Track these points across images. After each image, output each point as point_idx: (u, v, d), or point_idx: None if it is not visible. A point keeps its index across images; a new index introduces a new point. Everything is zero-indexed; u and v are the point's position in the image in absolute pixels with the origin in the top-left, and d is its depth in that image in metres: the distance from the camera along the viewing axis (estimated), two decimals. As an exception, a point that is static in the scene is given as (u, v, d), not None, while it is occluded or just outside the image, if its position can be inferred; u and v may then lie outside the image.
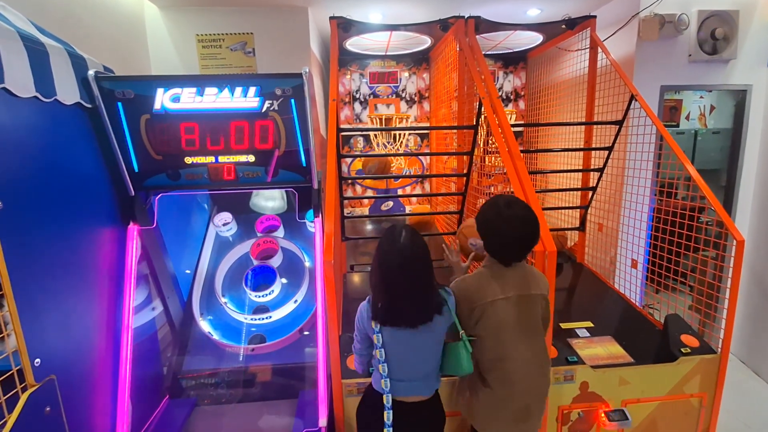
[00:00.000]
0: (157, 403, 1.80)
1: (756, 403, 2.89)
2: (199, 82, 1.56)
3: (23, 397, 1.12)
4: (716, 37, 2.89)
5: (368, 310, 1.38)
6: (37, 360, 1.17)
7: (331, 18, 2.68)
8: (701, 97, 4.64)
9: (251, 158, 1.66)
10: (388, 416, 1.36)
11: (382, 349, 1.35)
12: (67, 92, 1.37)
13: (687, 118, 4.66)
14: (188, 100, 1.55)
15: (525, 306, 1.44)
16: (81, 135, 1.47)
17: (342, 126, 3.78)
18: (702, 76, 3.04)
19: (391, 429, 1.36)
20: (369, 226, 3.72)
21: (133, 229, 1.68)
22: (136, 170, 1.64)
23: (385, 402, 1.37)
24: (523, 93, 4.05)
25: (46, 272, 1.26)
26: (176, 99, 1.54)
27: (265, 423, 1.69)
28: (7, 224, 1.11)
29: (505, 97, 4.05)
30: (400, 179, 4.08)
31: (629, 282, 2.57)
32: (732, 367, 3.29)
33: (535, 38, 3.36)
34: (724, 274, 1.94)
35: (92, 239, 1.51)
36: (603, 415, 1.85)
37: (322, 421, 1.59)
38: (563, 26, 2.89)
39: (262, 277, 2.15)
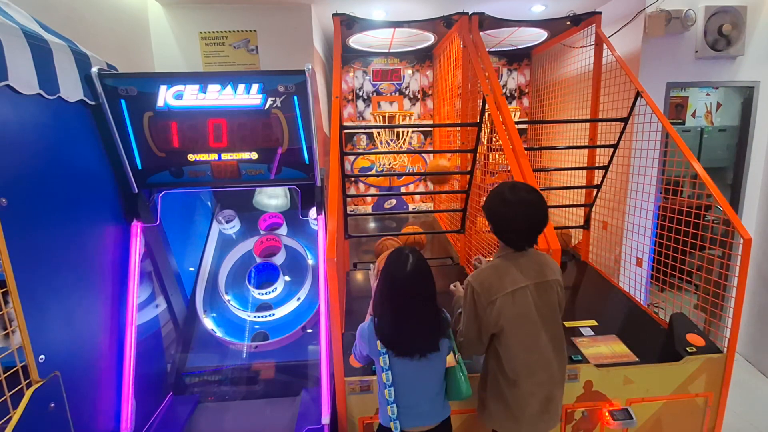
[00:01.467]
0: (160, 399, 1.81)
1: (762, 403, 2.87)
2: (202, 79, 1.56)
3: (28, 394, 1.13)
4: (723, 33, 2.86)
5: (371, 332, 1.36)
6: (42, 356, 1.18)
7: (334, 15, 2.67)
8: (708, 94, 4.58)
9: (254, 155, 1.65)
10: (396, 426, 1.35)
11: (389, 372, 1.33)
12: (71, 89, 1.37)
13: (693, 115, 4.61)
14: (191, 97, 1.54)
15: (543, 293, 1.44)
16: (84, 132, 1.48)
17: (345, 123, 3.77)
18: (709, 73, 3.01)
19: None
20: (372, 224, 3.71)
21: (136, 226, 1.69)
22: (140, 167, 1.64)
23: (393, 429, 1.35)
24: (527, 90, 4.03)
25: (50, 269, 1.26)
26: (179, 96, 1.54)
27: (268, 420, 1.69)
28: (12, 221, 1.11)
29: (509, 95, 4.02)
30: (404, 177, 4.06)
31: (634, 281, 2.55)
32: (738, 366, 3.26)
33: (540, 35, 3.33)
34: (731, 273, 1.92)
35: (96, 236, 1.51)
36: (607, 414, 1.84)
37: (325, 419, 1.59)
38: (568, 23, 2.86)
39: (265, 275, 2.15)
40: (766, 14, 2.96)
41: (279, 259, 2.20)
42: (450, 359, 1.44)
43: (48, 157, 1.28)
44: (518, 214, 1.39)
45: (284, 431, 1.60)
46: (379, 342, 1.33)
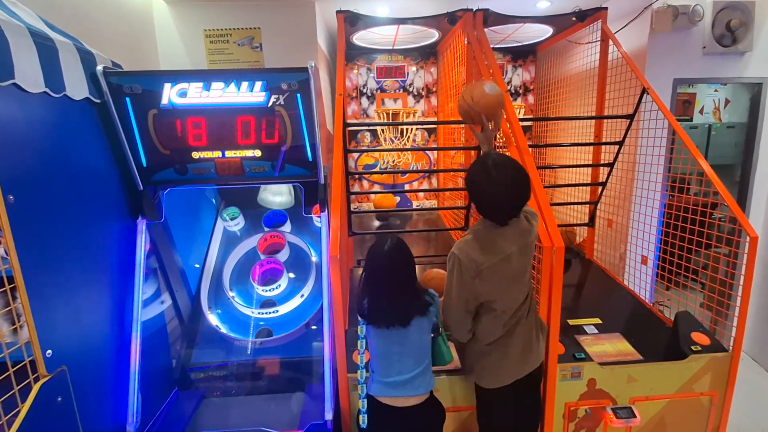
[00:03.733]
0: (166, 394, 1.83)
1: (768, 402, 2.85)
2: (206, 76, 1.56)
3: (35, 388, 1.15)
4: (732, 29, 2.82)
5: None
6: (49, 351, 1.19)
7: (337, 12, 2.66)
8: (716, 90, 4.53)
9: (258, 153, 1.66)
10: (363, 404, 1.48)
11: (363, 341, 1.47)
12: (76, 87, 1.38)
13: (701, 112, 4.56)
14: (195, 94, 1.55)
15: (524, 254, 1.47)
16: (90, 130, 1.49)
17: (349, 121, 3.77)
18: (716, 69, 2.97)
19: (365, 416, 1.47)
20: (376, 222, 3.72)
21: (141, 223, 1.70)
22: (145, 165, 1.65)
23: (359, 392, 1.48)
24: (532, 87, 4.00)
25: (56, 266, 1.28)
26: (183, 94, 1.55)
27: (272, 415, 1.71)
28: (19, 218, 1.13)
29: (513, 91, 4.00)
30: (407, 174, 4.06)
31: (639, 279, 2.54)
32: (744, 365, 3.24)
33: (545, 31, 3.31)
34: (737, 271, 1.90)
35: (101, 233, 1.53)
36: (610, 412, 1.83)
37: (328, 415, 1.60)
38: (573, 18, 2.83)
39: (269, 272, 2.16)
40: (775, 9, 2.91)
41: (283, 256, 2.21)
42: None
43: (54, 155, 1.30)
44: (501, 190, 1.36)
45: (288, 426, 1.62)
46: (359, 316, 1.47)
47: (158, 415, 1.70)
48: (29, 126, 1.20)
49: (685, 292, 2.18)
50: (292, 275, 2.20)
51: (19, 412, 1.09)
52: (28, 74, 1.16)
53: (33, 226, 1.18)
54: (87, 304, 1.42)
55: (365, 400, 1.48)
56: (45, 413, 1.17)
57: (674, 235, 2.21)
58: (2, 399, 1.05)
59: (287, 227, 2.34)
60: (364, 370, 1.49)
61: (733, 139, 3.90)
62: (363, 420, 1.47)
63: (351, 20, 2.70)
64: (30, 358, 1.15)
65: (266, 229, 2.31)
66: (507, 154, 1.94)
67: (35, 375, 1.17)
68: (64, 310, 1.30)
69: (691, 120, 4.54)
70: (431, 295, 1.51)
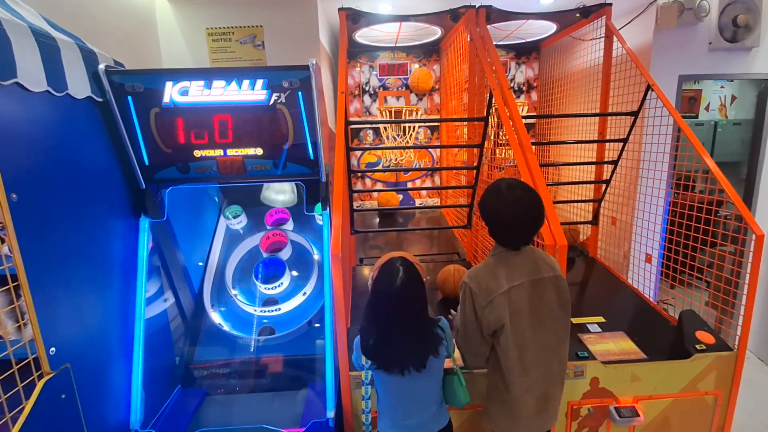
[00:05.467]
0: (169, 392, 1.84)
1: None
2: (207, 75, 1.56)
3: (39, 385, 1.16)
4: (738, 24, 2.79)
5: (360, 349, 1.36)
6: (53, 349, 1.20)
7: (339, 9, 2.65)
8: (722, 86, 4.48)
9: (259, 151, 1.66)
10: (366, 405, 1.40)
11: (369, 387, 1.35)
12: (79, 86, 1.39)
13: (707, 108, 4.52)
14: (197, 93, 1.55)
15: (539, 290, 1.42)
16: (92, 128, 1.50)
17: (351, 119, 3.76)
18: (723, 65, 2.94)
19: (368, 415, 1.40)
20: (379, 219, 3.72)
21: (144, 221, 1.71)
22: (147, 163, 1.66)
23: (363, 393, 1.38)
24: (535, 84, 3.97)
25: (60, 264, 1.28)
26: (185, 92, 1.55)
27: (275, 413, 1.71)
28: (22, 216, 1.13)
29: (517, 89, 3.98)
30: (410, 172, 4.05)
31: (643, 277, 2.52)
32: (750, 365, 3.22)
33: (549, 27, 3.28)
34: (743, 270, 1.88)
35: (104, 232, 1.53)
36: (613, 411, 1.82)
37: (330, 413, 1.60)
38: (577, 15, 2.81)
39: (272, 270, 2.16)
40: (783, 4, 2.87)
41: (285, 254, 2.21)
42: (448, 363, 1.43)
43: (56, 153, 1.30)
44: (514, 214, 1.35)
45: (290, 424, 1.62)
46: (364, 358, 1.32)
47: (161, 412, 1.72)
48: (31, 125, 1.20)
49: (690, 290, 2.16)
50: (295, 273, 2.20)
51: (23, 408, 1.10)
52: (31, 73, 1.16)
53: (36, 224, 1.19)
54: (90, 302, 1.42)
55: (368, 402, 1.41)
56: (49, 410, 1.18)
57: (679, 233, 2.19)
58: (7, 396, 1.05)
59: (290, 225, 2.35)
60: (368, 414, 1.41)
61: (739, 136, 3.85)
62: (367, 419, 1.42)
63: (353, 17, 2.69)
64: (34, 356, 1.16)
65: (268, 227, 2.31)
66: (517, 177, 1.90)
67: (39, 372, 1.18)
68: (68, 308, 1.31)
69: (696, 117, 4.50)
70: (442, 327, 1.41)
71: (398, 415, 1.37)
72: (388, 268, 1.31)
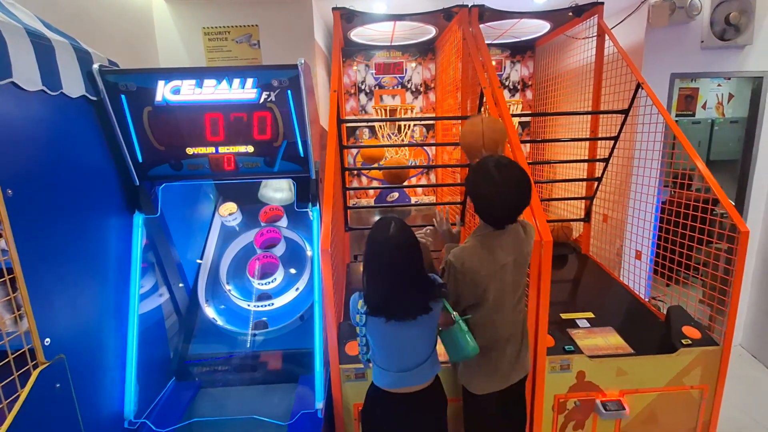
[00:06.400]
0: (163, 384, 1.88)
1: (767, 398, 2.84)
2: (198, 74, 1.60)
3: (34, 374, 1.20)
4: (731, 23, 2.80)
5: (356, 301, 1.40)
6: (47, 340, 1.24)
7: (333, 9, 2.69)
8: (719, 85, 4.49)
9: (250, 149, 1.70)
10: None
11: (363, 327, 1.39)
12: (73, 86, 1.42)
13: (704, 107, 4.53)
14: (188, 92, 1.59)
15: (520, 266, 1.49)
16: (87, 127, 1.54)
17: (345, 117, 3.79)
18: (715, 63, 2.96)
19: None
20: (375, 217, 3.75)
21: (138, 217, 1.75)
22: (140, 161, 1.69)
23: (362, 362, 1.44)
24: (530, 83, 4.00)
25: (55, 258, 1.32)
26: (176, 91, 1.59)
27: (266, 405, 1.75)
28: (18, 212, 1.17)
29: (512, 87, 4.00)
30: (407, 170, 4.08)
31: (635, 275, 2.55)
32: (743, 362, 3.25)
33: (543, 26, 3.30)
34: (731, 266, 1.91)
35: (99, 227, 1.57)
36: (599, 405, 1.86)
37: (319, 404, 1.64)
38: (570, 14, 2.83)
39: (266, 266, 2.20)
40: (776, 2, 2.88)
41: (279, 250, 2.25)
42: (446, 318, 1.44)
43: (51, 151, 1.34)
44: (503, 193, 1.35)
45: (281, 415, 1.66)
46: (360, 301, 1.37)
47: (155, 404, 1.76)
48: (27, 123, 1.24)
49: (685, 289, 2.17)
50: (287, 269, 2.24)
51: (18, 396, 1.14)
52: (26, 73, 1.20)
53: (31, 219, 1.23)
54: (85, 296, 1.46)
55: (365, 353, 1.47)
56: (44, 399, 1.22)
57: (675, 231, 2.20)
58: (2, 384, 1.09)
59: (284, 222, 2.38)
60: (366, 352, 1.45)
61: (736, 134, 3.86)
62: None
63: (347, 17, 2.72)
64: (29, 346, 1.20)
65: (263, 224, 2.34)
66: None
67: (34, 362, 1.22)
68: (63, 300, 1.35)
69: (694, 115, 4.51)
70: (443, 285, 1.43)
71: (384, 362, 1.42)
72: (381, 222, 1.37)
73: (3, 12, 1.23)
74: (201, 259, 2.24)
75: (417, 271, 1.34)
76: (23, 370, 1.17)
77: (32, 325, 1.20)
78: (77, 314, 1.41)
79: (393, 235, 1.31)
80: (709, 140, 4.60)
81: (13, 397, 1.14)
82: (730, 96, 4.56)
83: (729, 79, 4.32)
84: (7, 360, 1.13)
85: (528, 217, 1.68)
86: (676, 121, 4.35)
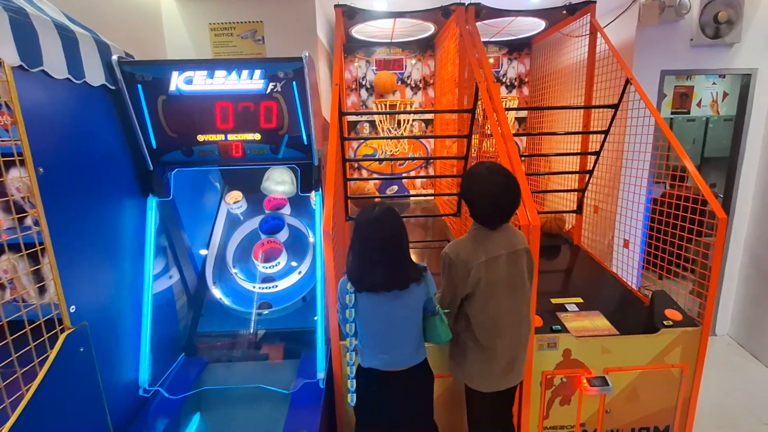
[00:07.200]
0: (173, 359, 2.00)
1: (750, 383, 2.96)
2: (210, 65, 1.71)
3: (62, 337, 1.31)
4: (719, 21, 2.90)
5: (344, 283, 1.51)
6: (73, 307, 1.36)
7: (336, 6, 2.79)
8: (714, 83, 4.58)
9: (257, 136, 1.81)
10: (351, 371, 1.55)
11: (353, 309, 1.48)
12: (94, 75, 1.54)
13: (698, 104, 4.62)
14: (200, 82, 1.70)
15: (513, 262, 1.57)
16: (106, 114, 1.65)
17: (345, 111, 3.89)
18: (704, 61, 3.05)
19: (353, 381, 1.54)
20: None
21: (151, 200, 1.86)
22: (154, 147, 1.81)
23: (348, 359, 1.54)
24: (527, 79, 4.10)
25: (78, 233, 1.44)
26: (189, 81, 1.70)
27: (271, 378, 1.86)
28: (47, 188, 1.29)
29: (509, 83, 4.10)
30: (406, 164, 4.19)
31: (626, 264, 2.64)
32: (731, 350, 3.36)
33: (538, 24, 3.40)
34: (711, 251, 1.99)
35: (116, 207, 1.69)
36: (585, 381, 1.96)
37: (321, 374, 1.76)
38: (564, 12, 2.93)
39: (270, 251, 2.31)
40: (765, 1, 2.98)
41: (282, 236, 2.36)
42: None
43: (75, 135, 1.45)
44: (494, 196, 1.50)
45: (285, 385, 1.77)
46: (349, 284, 1.48)
47: (167, 376, 1.87)
48: (54, 108, 1.35)
49: (678, 279, 2.24)
50: (291, 254, 2.35)
51: (48, 356, 1.26)
52: (54, 62, 1.31)
53: (58, 196, 1.34)
54: (103, 272, 1.58)
55: (353, 367, 1.57)
56: (69, 361, 1.33)
57: (668, 225, 2.25)
58: (34, 344, 1.21)
59: (287, 210, 2.49)
60: (354, 338, 1.55)
61: (730, 131, 3.93)
62: (351, 385, 1.57)
63: (349, 14, 2.82)
64: (57, 312, 1.32)
65: (267, 211, 2.45)
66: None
67: (61, 327, 1.33)
68: (85, 273, 1.46)
69: (688, 113, 4.60)
70: (424, 270, 1.55)
71: (376, 349, 1.53)
72: (368, 206, 1.50)
73: (31, 5, 1.34)
74: (207, 248, 2.35)
75: (396, 247, 1.46)
76: (52, 332, 1.29)
77: (59, 292, 1.32)
78: (97, 287, 1.53)
79: (376, 215, 1.45)
80: (703, 137, 4.70)
81: (44, 356, 1.25)
82: (725, 94, 4.64)
83: (723, 77, 4.41)
84: (37, 323, 1.24)
85: (519, 208, 1.79)
86: (672, 118, 4.45)
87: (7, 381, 1.13)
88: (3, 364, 1.13)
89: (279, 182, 2.60)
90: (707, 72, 3.18)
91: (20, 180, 1.27)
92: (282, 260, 2.29)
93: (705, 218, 2.05)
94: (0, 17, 1.10)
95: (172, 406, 1.72)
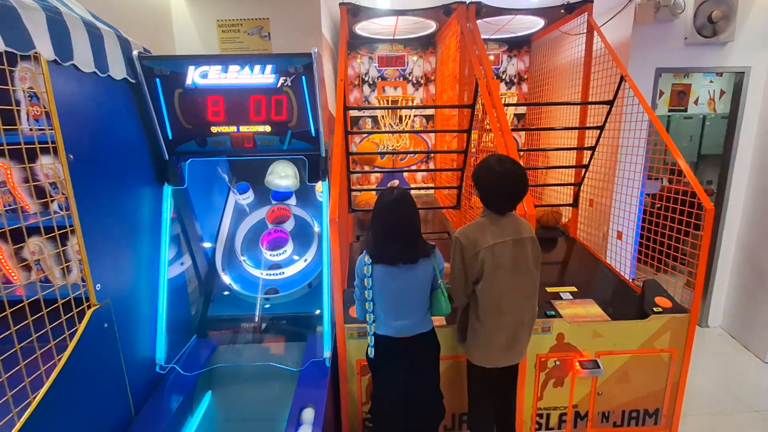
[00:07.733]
0: (186, 340, 2.10)
1: (739, 372, 3.05)
2: (224, 60, 1.80)
3: (88, 313, 1.42)
4: (713, 20, 2.98)
5: (363, 257, 1.66)
6: (98, 285, 1.46)
7: (340, 4, 2.88)
8: (711, 81, 4.66)
9: (267, 128, 1.90)
10: (371, 339, 1.70)
11: (371, 278, 1.64)
12: (117, 69, 1.63)
13: (696, 102, 4.69)
14: (215, 76, 1.80)
15: (519, 248, 1.69)
16: (126, 106, 1.74)
17: (349, 105, 3.98)
18: (698, 59, 3.13)
19: (372, 338, 1.69)
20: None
21: (167, 188, 1.96)
22: (170, 137, 1.90)
23: (368, 330, 1.69)
24: (526, 76, 4.18)
25: (101, 217, 1.54)
26: (204, 75, 1.79)
27: (279, 358, 1.97)
28: (76, 174, 1.39)
29: (508, 80, 4.18)
30: (407, 158, 4.29)
31: (621, 256, 2.73)
32: (723, 341, 3.46)
33: (537, 22, 3.48)
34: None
35: (134, 194, 1.79)
36: (577, 363, 2.06)
37: (327, 353, 1.86)
38: (562, 11, 3.02)
39: (277, 239, 2.41)
40: (759, 0, 3.05)
41: (288, 226, 2.46)
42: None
43: (100, 126, 1.55)
44: (503, 183, 1.64)
45: (293, 364, 1.88)
46: (366, 255, 1.64)
47: (181, 354, 1.98)
48: (83, 99, 1.45)
49: (674, 272, 2.30)
50: (296, 243, 2.45)
51: (76, 330, 1.36)
52: (83, 57, 1.41)
53: (85, 182, 1.44)
54: (124, 253, 1.68)
55: (372, 337, 1.71)
56: (95, 335, 1.44)
57: (664, 220, 2.31)
58: (65, 317, 1.31)
59: (293, 201, 2.59)
60: (372, 303, 1.68)
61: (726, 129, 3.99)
62: (371, 352, 1.72)
63: (353, 11, 2.91)
64: (84, 289, 1.42)
65: (273, 202, 2.55)
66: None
67: (88, 303, 1.43)
68: (108, 255, 1.56)
69: (686, 110, 4.68)
70: (433, 246, 1.71)
71: (390, 316, 1.67)
72: (387, 190, 1.67)
73: (63, 5, 1.43)
74: (218, 232, 2.45)
75: (409, 226, 1.64)
76: (80, 308, 1.39)
77: (87, 271, 1.42)
78: (118, 269, 1.63)
79: (394, 197, 1.63)
80: (700, 135, 4.77)
81: (72, 330, 1.35)
82: (722, 92, 4.72)
83: (720, 75, 4.48)
84: (67, 299, 1.34)
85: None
86: (669, 116, 4.53)
87: (41, 351, 1.23)
88: (35, 336, 1.23)
89: (282, 176, 2.68)
90: (701, 70, 3.26)
91: (50, 167, 1.37)
92: (288, 248, 2.39)
93: (702, 212, 2.10)
94: (38, 16, 1.19)
95: (187, 382, 1.82)
